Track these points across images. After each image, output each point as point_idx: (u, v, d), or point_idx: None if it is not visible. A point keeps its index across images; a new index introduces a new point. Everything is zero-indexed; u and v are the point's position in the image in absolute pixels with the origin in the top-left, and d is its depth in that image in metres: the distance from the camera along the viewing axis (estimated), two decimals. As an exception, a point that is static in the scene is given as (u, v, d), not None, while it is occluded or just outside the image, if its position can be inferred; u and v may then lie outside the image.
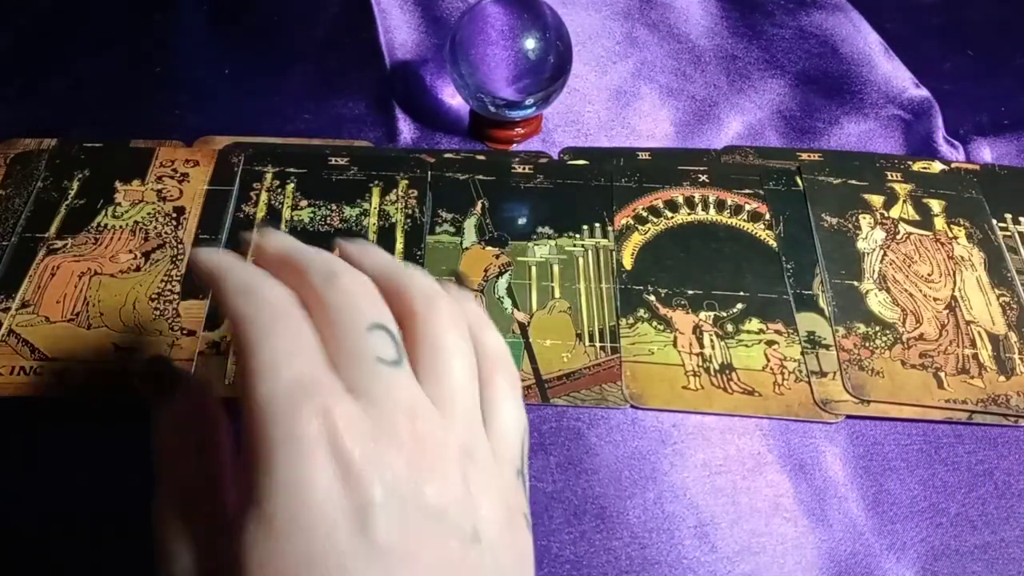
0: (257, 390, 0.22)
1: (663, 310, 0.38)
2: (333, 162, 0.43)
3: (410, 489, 0.21)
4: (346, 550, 0.20)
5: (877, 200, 0.43)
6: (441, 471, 0.22)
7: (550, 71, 0.40)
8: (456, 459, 0.23)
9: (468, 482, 0.23)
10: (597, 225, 0.41)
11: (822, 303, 0.39)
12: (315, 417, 0.21)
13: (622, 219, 0.41)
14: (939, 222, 0.42)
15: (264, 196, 0.41)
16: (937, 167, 0.45)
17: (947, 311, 0.39)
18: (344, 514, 0.20)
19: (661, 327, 0.37)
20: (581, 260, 0.40)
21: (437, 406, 0.23)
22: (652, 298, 0.38)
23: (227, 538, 0.21)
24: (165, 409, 0.25)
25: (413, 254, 0.39)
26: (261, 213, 0.41)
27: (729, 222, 0.42)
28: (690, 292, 0.39)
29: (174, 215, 0.40)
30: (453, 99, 0.48)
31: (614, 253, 0.40)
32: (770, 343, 0.37)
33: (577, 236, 0.41)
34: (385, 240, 0.40)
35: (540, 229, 0.41)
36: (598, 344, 0.37)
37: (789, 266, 0.40)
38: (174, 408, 0.25)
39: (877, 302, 0.39)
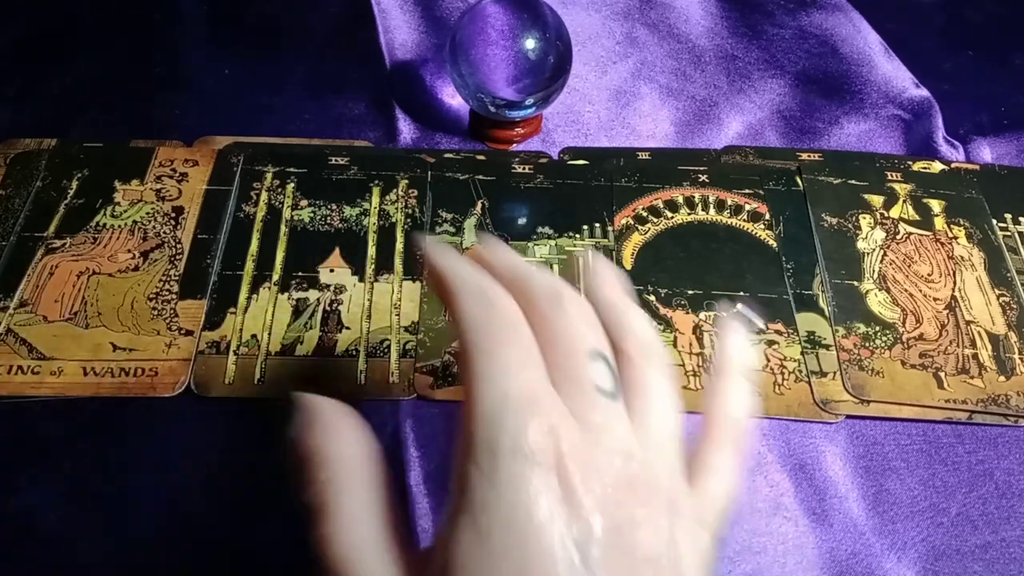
0: (486, 396, 0.21)
1: (663, 310, 0.38)
2: (333, 162, 0.43)
3: (627, 531, 0.20)
4: None
5: (877, 200, 0.43)
6: (654, 520, 0.21)
7: (550, 71, 0.40)
8: (664, 510, 0.22)
9: (673, 534, 0.21)
10: (597, 225, 0.41)
11: (822, 303, 0.39)
12: (542, 435, 0.20)
13: (622, 219, 0.41)
14: (939, 222, 0.42)
15: (264, 196, 0.41)
16: (937, 167, 0.45)
17: (947, 311, 0.39)
18: (564, 543, 0.20)
19: (661, 327, 0.37)
20: (581, 260, 0.40)
21: (643, 450, 0.23)
22: (652, 298, 0.38)
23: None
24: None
25: (413, 254, 0.39)
26: (261, 212, 0.40)
27: (729, 222, 0.42)
28: (690, 292, 0.39)
29: (173, 215, 0.40)
30: (453, 99, 0.48)
31: (614, 253, 0.40)
32: (770, 343, 0.37)
33: (577, 236, 0.41)
34: (385, 240, 0.40)
35: (540, 229, 0.41)
36: (598, 344, 0.36)
37: (789, 266, 0.40)
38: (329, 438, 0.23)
39: (877, 302, 0.39)
